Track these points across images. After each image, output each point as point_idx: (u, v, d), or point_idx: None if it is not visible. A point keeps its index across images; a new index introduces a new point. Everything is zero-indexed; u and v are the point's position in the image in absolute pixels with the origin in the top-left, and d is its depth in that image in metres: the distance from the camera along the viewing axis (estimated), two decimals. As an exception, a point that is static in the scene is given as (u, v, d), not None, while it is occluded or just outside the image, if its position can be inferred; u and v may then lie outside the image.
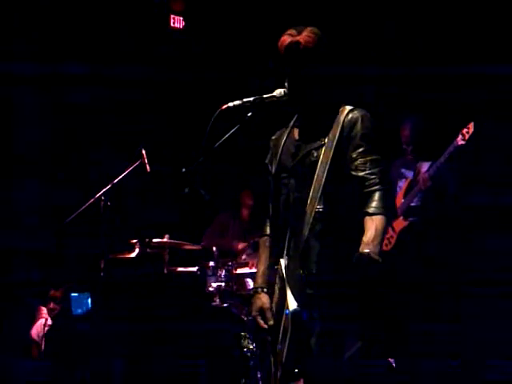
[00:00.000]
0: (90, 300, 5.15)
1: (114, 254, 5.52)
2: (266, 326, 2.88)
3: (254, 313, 2.95)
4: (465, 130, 4.65)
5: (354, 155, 2.81)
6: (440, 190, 4.92)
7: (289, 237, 2.86)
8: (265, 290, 2.99)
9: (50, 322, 5.90)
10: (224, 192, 6.63)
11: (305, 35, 2.84)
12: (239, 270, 5.90)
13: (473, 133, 4.62)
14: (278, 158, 3.01)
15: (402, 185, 5.06)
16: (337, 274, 2.71)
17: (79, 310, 5.21)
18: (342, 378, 2.71)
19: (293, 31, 2.87)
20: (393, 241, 4.90)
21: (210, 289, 5.59)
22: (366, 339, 2.75)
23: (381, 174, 2.79)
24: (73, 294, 5.22)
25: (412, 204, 4.99)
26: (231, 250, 6.43)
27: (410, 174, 5.11)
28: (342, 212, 2.80)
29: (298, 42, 2.83)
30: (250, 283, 5.81)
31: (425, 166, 5.02)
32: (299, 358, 2.70)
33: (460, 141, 4.67)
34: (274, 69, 2.96)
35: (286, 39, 2.86)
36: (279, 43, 2.88)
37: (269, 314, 2.91)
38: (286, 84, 2.91)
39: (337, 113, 2.89)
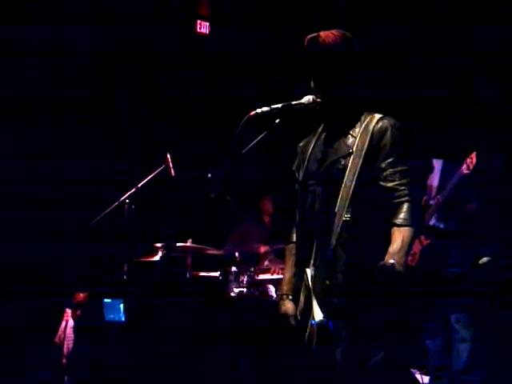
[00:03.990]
0: (122, 306, 5.15)
1: (138, 257, 5.55)
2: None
3: None
4: (468, 160, 4.69)
5: (383, 165, 2.79)
6: (455, 211, 4.92)
7: (316, 246, 2.84)
8: (290, 297, 2.99)
9: (70, 324, 5.93)
10: (248, 198, 6.63)
11: (328, 32, 2.85)
12: (261, 276, 5.90)
13: (476, 163, 4.66)
14: (305, 165, 3.00)
15: None
16: (363, 284, 2.69)
17: (111, 316, 5.21)
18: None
19: (321, 31, 2.88)
20: (417, 257, 4.88)
21: (232, 294, 5.60)
22: (391, 348, 2.74)
23: (410, 186, 2.78)
24: (106, 300, 5.23)
25: (431, 223, 4.98)
26: (253, 254, 6.43)
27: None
28: (369, 221, 2.78)
29: (318, 36, 2.83)
30: (272, 289, 5.81)
31: (435, 180, 5.02)
32: (325, 367, 2.69)
33: (465, 170, 4.71)
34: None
35: (310, 35, 2.87)
36: (305, 41, 2.89)
37: (292, 321, 2.92)
38: (311, 82, 2.90)
39: (359, 116, 2.87)
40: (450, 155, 4.96)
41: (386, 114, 2.90)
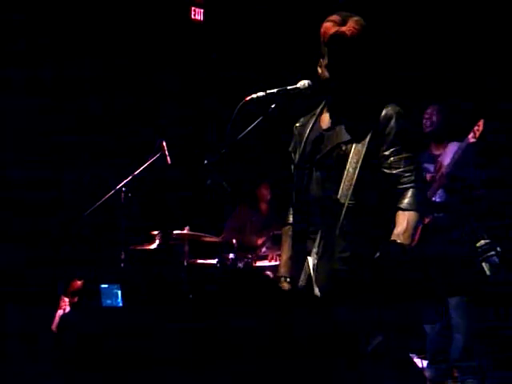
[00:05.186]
0: (120, 292, 5.14)
1: (135, 245, 5.54)
2: None
3: None
4: (475, 128, 4.62)
5: (388, 153, 2.78)
6: (459, 187, 4.88)
7: (319, 235, 2.80)
8: (288, 279, 3.00)
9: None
10: (243, 184, 6.62)
11: (351, 26, 2.76)
12: (259, 263, 5.92)
13: (483, 130, 4.59)
14: (302, 147, 2.97)
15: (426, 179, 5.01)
16: (363, 271, 2.69)
17: (108, 301, 5.19)
18: (365, 371, 2.70)
19: (337, 18, 2.79)
20: (416, 237, 4.84)
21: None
22: (389, 334, 2.74)
23: (415, 172, 2.78)
24: (102, 286, 5.22)
25: (436, 199, 4.94)
26: (251, 245, 6.43)
27: (433, 169, 5.07)
28: (373, 209, 2.77)
29: (343, 34, 2.75)
30: (270, 276, 5.81)
31: (446, 159, 4.97)
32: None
33: (471, 138, 4.64)
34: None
35: (331, 28, 2.78)
36: (323, 30, 2.81)
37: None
38: (322, 70, 2.85)
39: (363, 103, 2.84)
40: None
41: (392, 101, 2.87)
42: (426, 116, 5.09)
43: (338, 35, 2.76)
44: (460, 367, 4.83)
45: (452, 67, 5.82)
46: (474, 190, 4.85)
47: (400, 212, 2.73)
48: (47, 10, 6.33)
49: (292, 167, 3.05)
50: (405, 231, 2.69)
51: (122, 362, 4.41)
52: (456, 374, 4.90)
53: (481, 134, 4.58)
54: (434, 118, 5.05)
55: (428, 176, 5.01)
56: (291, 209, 3.07)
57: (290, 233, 3.05)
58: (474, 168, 4.84)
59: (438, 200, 4.92)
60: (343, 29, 2.76)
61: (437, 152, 5.09)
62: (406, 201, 2.73)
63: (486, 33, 5.67)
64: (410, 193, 2.74)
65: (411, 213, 2.72)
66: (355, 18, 2.80)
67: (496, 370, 4.84)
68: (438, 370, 4.98)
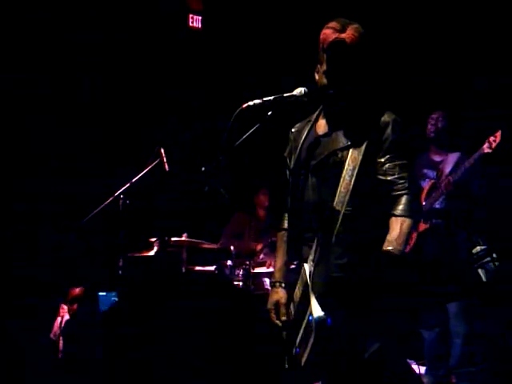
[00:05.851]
0: (117, 299, 5.16)
1: (133, 252, 5.54)
2: (277, 322, 2.92)
3: (269, 306, 2.98)
4: (491, 138, 4.59)
5: (383, 160, 2.80)
6: (464, 195, 4.88)
7: (315, 242, 2.78)
8: (282, 285, 3.00)
9: (66, 320, 5.92)
10: (241, 191, 6.63)
11: (350, 33, 2.78)
12: (257, 270, 5.91)
13: (500, 142, 4.57)
14: (297, 152, 2.98)
15: (425, 186, 5.01)
16: (359, 277, 2.70)
17: (106, 309, 5.23)
18: (363, 378, 2.70)
19: (337, 25, 2.81)
20: (412, 242, 4.85)
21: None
22: (386, 339, 2.74)
23: (409, 179, 2.80)
24: (100, 294, 5.24)
25: (436, 206, 4.94)
26: (249, 251, 6.42)
27: (433, 175, 5.07)
28: (369, 215, 2.78)
29: (343, 41, 2.77)
30: (268, 282, 5.81)
31: (447, 167, 4.97)
32: (319, 362, 2.68)
33: (486, 149, 4.60)
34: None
35: (331, 35, 2.80)
36: (322, 36, 2.83)
37: (283, 310, 2.93)
38: (320, 77, 2.86)
39: (360, 110, 2.84)
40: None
41: (389, 109, 2.88)
42: (432, 122, 5.10)
43: (337, 42, 2.78)
44: (458, 373, 4.83)
45: (457, 73, 5.84)
46: (478, 198, 4.86)
47: (393, 218, 2.75)
48: (46, 18, 6.36)
49: (287, 172, 3.06)
50: (398, 237, 2.70)
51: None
52: (454, 380, 4.90)
53: (497, 145, 4.57)
54: (440, 124, 5.06)
55: (428, 182, 5.02)
56: (286, 214, 3.07)
57: (285, 238, 3.06)
58: (481, 177, 4.85)
59: (437, 206, 4.92)
60: (343, 35, 2.78)
61: (437, 158, 5.10)
62: (399, 207, 2.76)
63: (494, 38, 5.67)
64: (403, 199, 2.77)
65: (405, 219, 2.74)
66: (354, 25, 2.82)
67: (494, 376, 4.84)
68: (436, 377, 4.98)
